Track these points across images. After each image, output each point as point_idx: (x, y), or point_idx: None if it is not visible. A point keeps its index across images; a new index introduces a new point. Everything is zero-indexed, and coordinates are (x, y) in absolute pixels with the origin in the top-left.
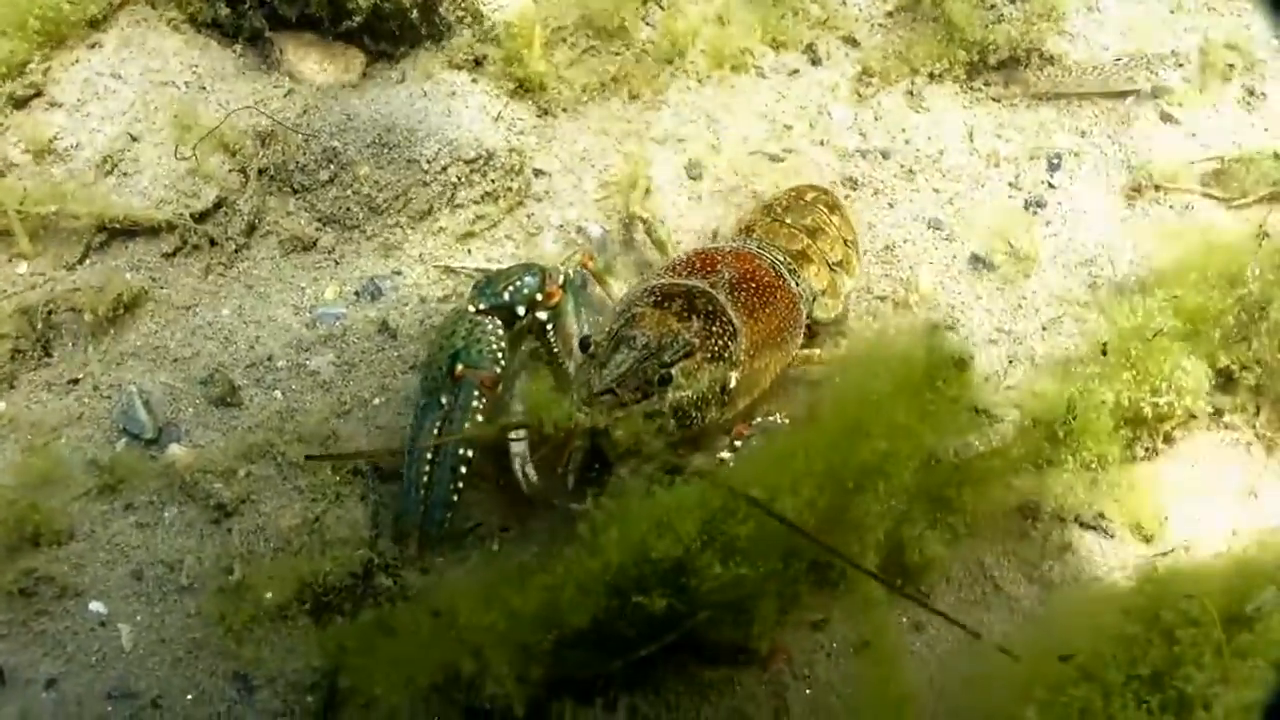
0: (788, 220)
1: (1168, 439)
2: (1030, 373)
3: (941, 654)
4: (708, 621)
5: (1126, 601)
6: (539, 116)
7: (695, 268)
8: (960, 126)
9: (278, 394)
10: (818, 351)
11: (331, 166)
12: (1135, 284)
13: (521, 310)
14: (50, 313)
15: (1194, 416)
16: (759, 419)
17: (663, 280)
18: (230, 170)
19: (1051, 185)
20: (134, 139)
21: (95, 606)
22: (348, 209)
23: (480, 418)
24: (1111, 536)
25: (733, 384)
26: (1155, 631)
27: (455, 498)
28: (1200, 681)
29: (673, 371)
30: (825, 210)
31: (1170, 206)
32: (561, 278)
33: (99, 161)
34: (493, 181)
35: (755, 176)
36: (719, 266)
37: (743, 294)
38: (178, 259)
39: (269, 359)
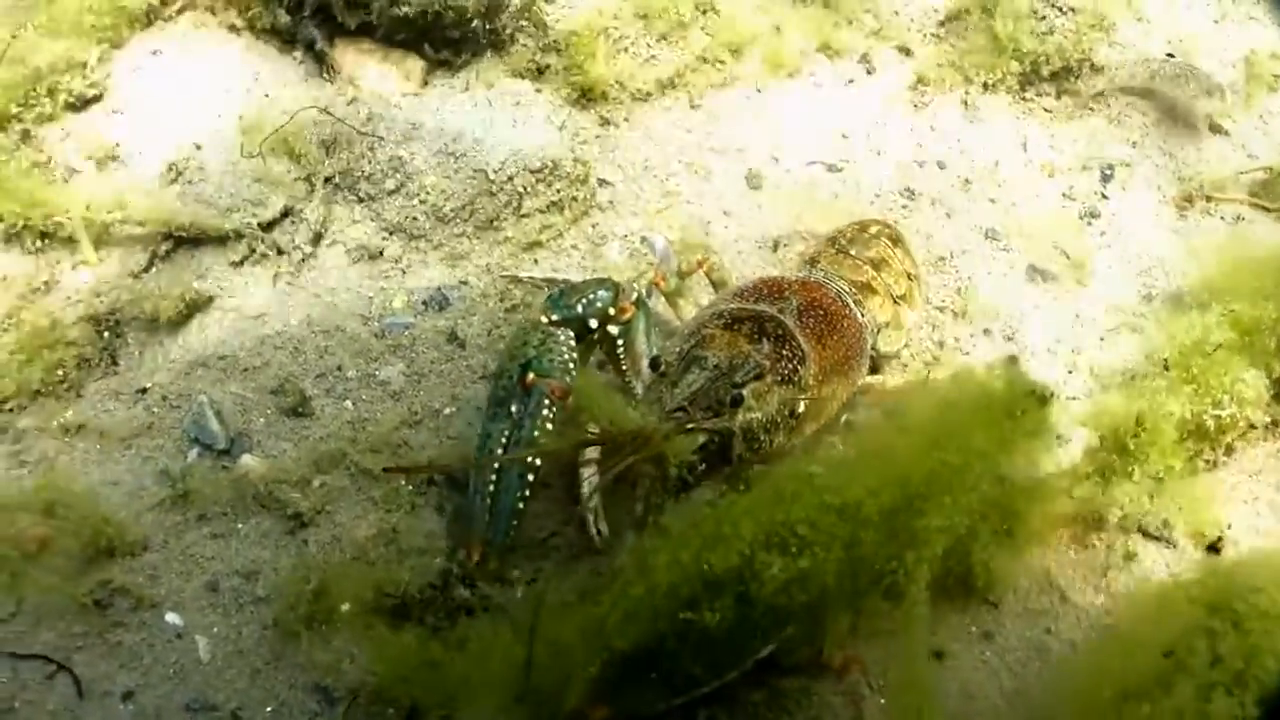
0: (852, 252)
1: (1229, 450)
2: (1089, 382)
3: (1011, 662)
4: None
5: (1192, 595)
6: (601, 126)
7: (763, 294)
8: (1014, 136)
9: (348, 404)
10: (882, 378)
11: (398, 175)
12: (1189, 295)
13: (594, 324)
14: (117, 321)
15: (1254, 427)
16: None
17: (732, 305)
18: (296, 179)
19: (1105, 196)
20: (198, 146)
21: (171, 618)
22: (414, 218)
23: (550, 426)
24: (1174, 546)
25: (801, 409)
26: (1228, 622)
27: (522, 505)
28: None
29: (744, 393)
30: (889, 243)
31: (1221, 217)
32: (635, 295)
33: (163, 169)
34: (558, 191)
35: (814, 186)
36: (786, 293)
37: (810, 320)
38: (245, 267)
39: (338, 369)
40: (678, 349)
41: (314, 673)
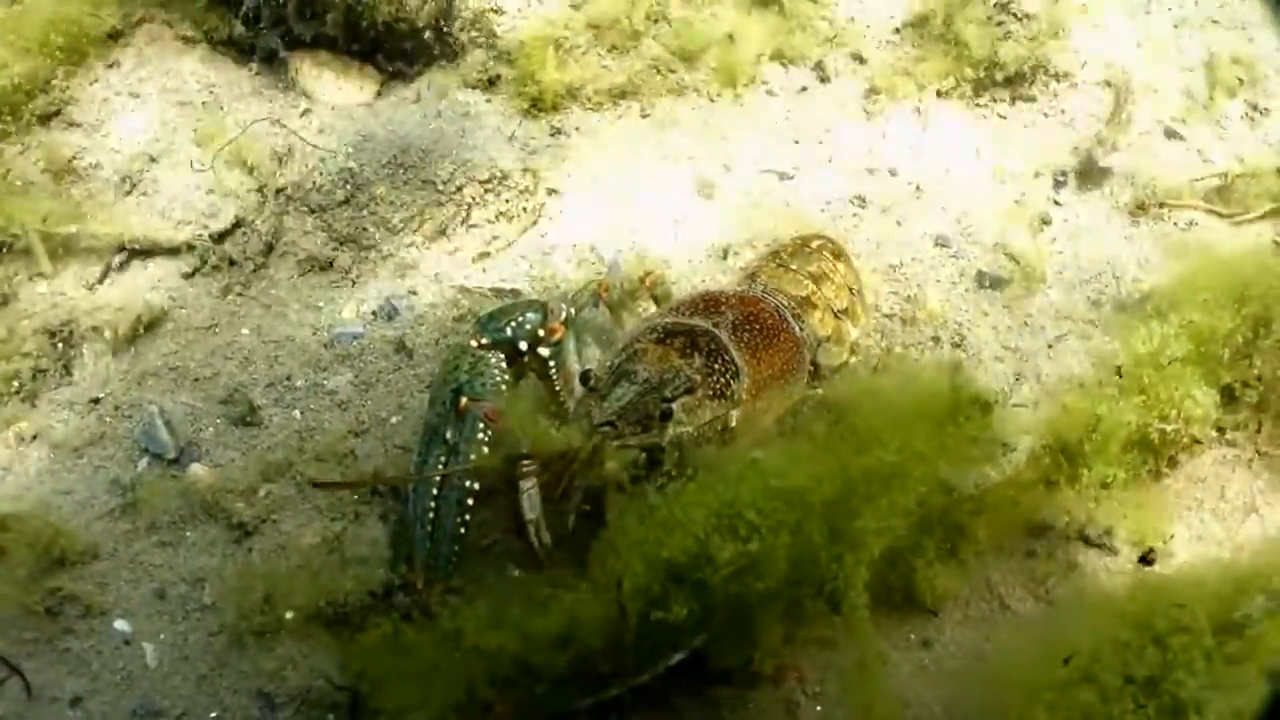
0: (793, 266)
1: (1172, 463)
2: (1036, 390)
3: (949, 670)
4: (713, 642)
5: (1121, 609)
6: (552, 135)
7: (699, 308)
8: (967, 143)
9: (296, 413)
10: (819, 392)
11: (348, 186)
12: (1139, 302)
13: (524, 345)
14: (71, 332)
15: (1198, 442)
16: None
17: (666, 319)
18: (249, 190)
19: (1057, 203)
20: (153, 159)
21: (120, 625)
22: (364, 229)
23: (486, 450)
24: (1116, 553)
25: (734, 423)
26: (1148, 638)
27: (463, 530)
28: (1192, 686)
29: (673, 407)
30: (830, 258)
31: (1174, 223)
32: (564, 314)
33: (118, 181)
34: (507, 201)
35: (765, 195)
36: (722, 308)
37: (746, 334)
38: (197, 279)
39: (288, 378)
40: (609, 363)
41: (258, 679)
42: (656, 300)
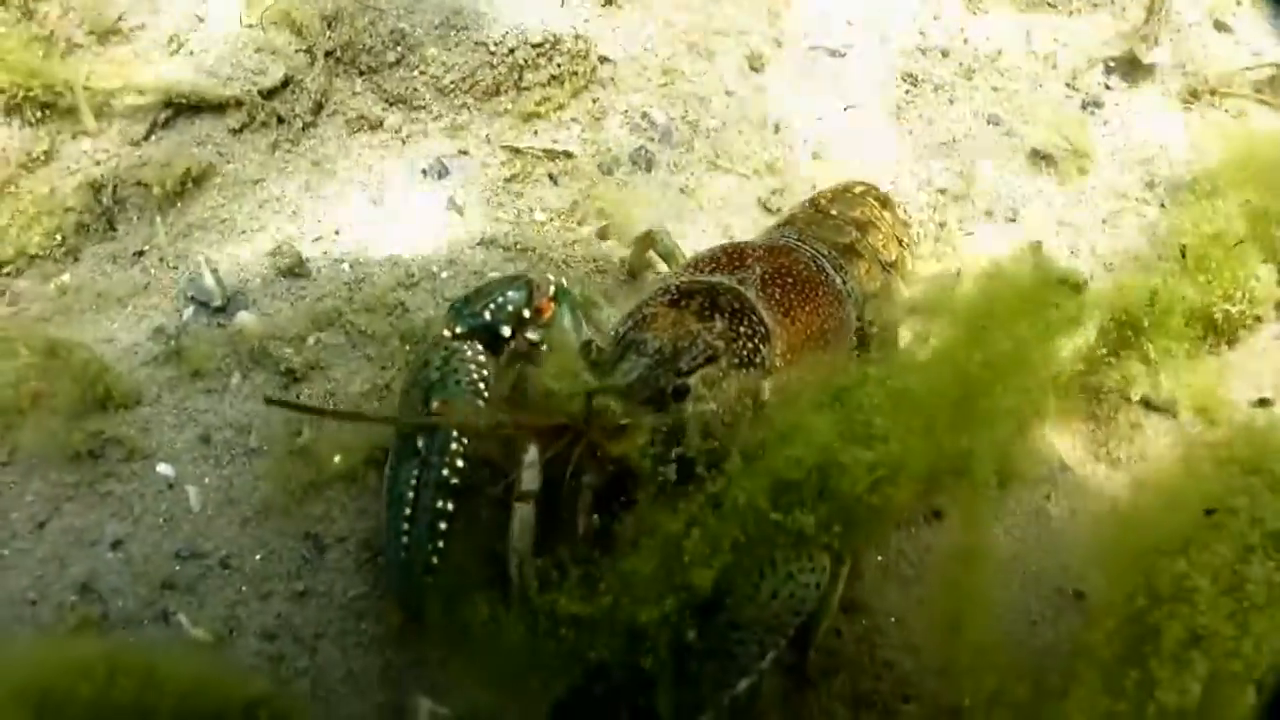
0: (833, 212)
1: (1232, 342)
2: (1092, 264)
3: (1011, 527)
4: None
5: (1223, 456)
6: (604, 5)
7: (720, 263)
8: (1019, 28)
9: (345, 266)
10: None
11: (399, 48)
12: (1195, 184)
13: (506, 331)
14: (115, 188)
15: (1259, 320)
16: None
17: (682, 278)
18: (297, 50)
19: (1108, 87)
20: (200, 19)
21: (163, 469)
22: (414, 89)
23: (462, 463)
24: (1176, 418)
25: (766, 395)
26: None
27: (435, 560)
28: None
29: (690, 381)
30: (876, 204)
31: (1225, 110)
32: (553, 288)
33: (164, 41)
34: (559, 66)
35: (816, 70)
36: (749, 260)
37: (777, 290)
38: (245, 135)
39: (336, 233)
40: (615, 332)
41: (305, 522)
42: (665, 260)
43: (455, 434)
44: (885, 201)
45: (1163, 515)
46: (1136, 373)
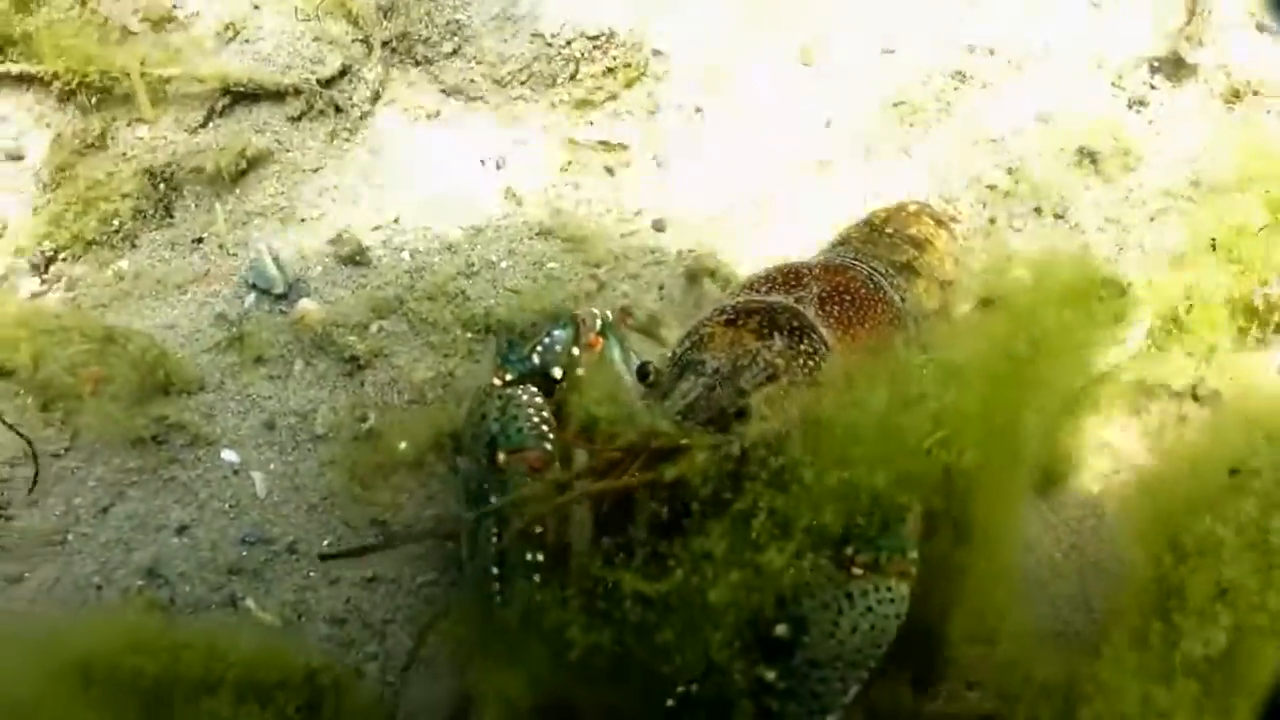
0: (888, 231)
1: (1278, 329)
2: (1140, 261)
3: (1067, 518)
4: None
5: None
6: None
7: (776, 283)
8: (1065, 26)
9: (405, 255)
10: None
11: (455, 39)
12: (1234, 182)
13: (558, 373)
14: (172, 174)
15: None
16: None
17: (738, 298)
18: (354, 40)
19: (1153, 86)
20: (256, 7)
21: (227, 455)
22: (471, 80)
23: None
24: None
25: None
26: None
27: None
28: None
29: (751, 401)
30: (931, 223)
31: (1268, 111)
32: (599, 322)
33: (220, 29)
34: (614, 58)
35: (867, 66)
36: (805, 279)
37: (835, 308)
38: (303, 123)
39: (395, 221)
40: (672, 355)
41: (372, 508)
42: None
43: (529, 481)
44: (940, 220)
45: (1188, 479)
46: (1181, 367)
